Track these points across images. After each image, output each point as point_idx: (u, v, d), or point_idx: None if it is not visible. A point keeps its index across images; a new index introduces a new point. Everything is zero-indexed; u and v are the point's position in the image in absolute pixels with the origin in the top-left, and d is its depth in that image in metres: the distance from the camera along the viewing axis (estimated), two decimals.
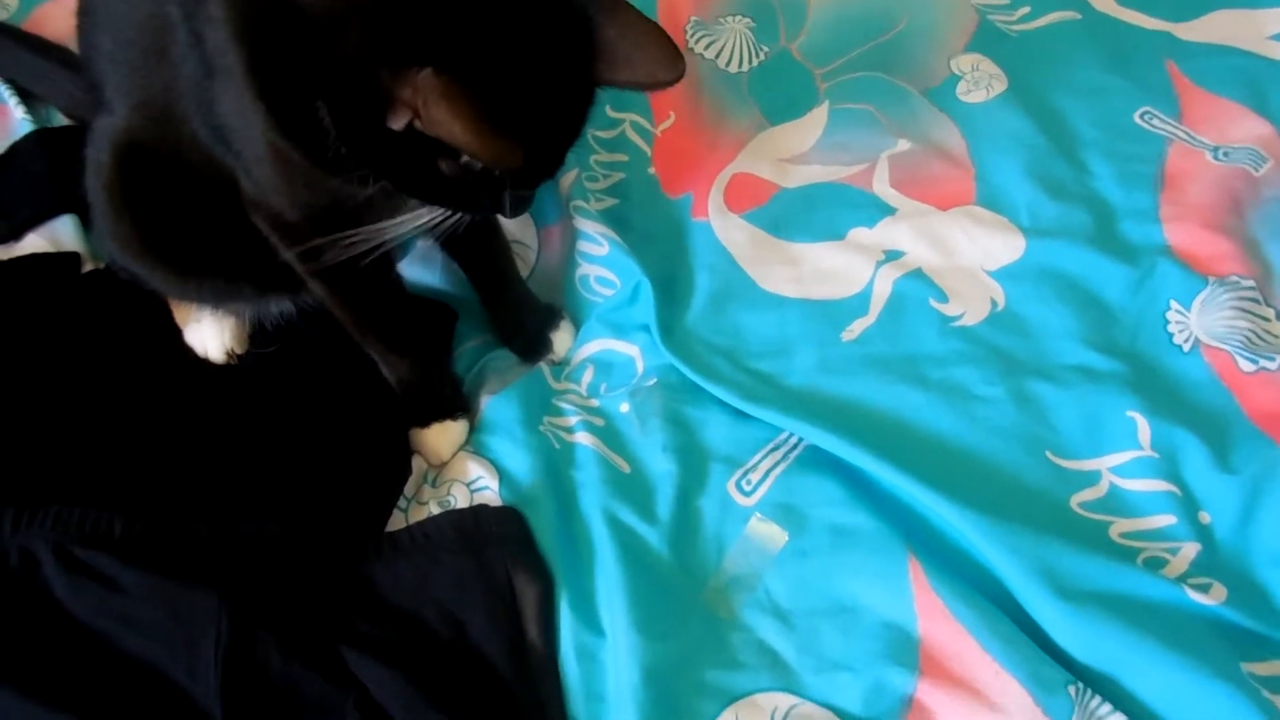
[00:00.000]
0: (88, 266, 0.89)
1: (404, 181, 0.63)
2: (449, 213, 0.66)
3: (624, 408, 0.83)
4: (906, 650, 0.71)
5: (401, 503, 0.79)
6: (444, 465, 0.81)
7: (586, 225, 0.90)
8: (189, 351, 0.85)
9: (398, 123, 0.57)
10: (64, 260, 0.89)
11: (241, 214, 0.73)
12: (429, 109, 0.56)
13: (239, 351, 0.85)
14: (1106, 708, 0.67)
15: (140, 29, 0.69)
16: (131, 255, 0.79)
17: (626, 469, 0.80)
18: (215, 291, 0.81)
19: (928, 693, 0.69)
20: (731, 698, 0.70)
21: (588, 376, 0.86)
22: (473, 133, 0.56)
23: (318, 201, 0.69)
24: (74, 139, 0.81)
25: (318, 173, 0.63)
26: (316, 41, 0.56)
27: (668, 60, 0.60)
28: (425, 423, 0.81)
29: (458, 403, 0.83)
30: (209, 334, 0.84)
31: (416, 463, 0.81)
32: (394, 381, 0.83)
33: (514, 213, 0.67)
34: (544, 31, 0.59)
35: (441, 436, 0.81)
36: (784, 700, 0.70)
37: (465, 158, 0.60)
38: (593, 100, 0.64)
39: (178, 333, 0.86)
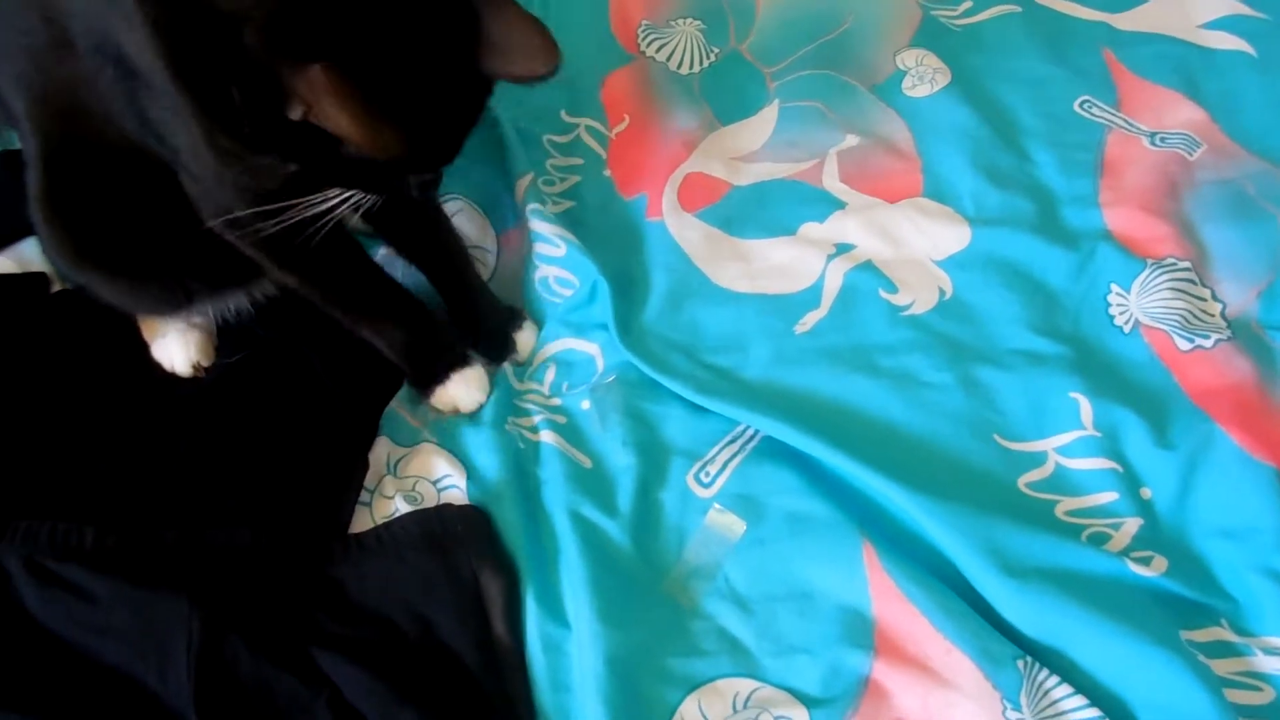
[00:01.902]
0: (56, 287, 0.90)
1: (311, 165, 0.66)
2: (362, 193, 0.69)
3: (585, 405, 0.85)
4: (862, 632, 0.73)
5: (364, 497, 0.80)
6: (408, 459, 0.82)
7: (543, 227, 0.91)
8: (156, 366, 0.86)
9: (295, 114, 0.61)
10: (32, 280, 0.91)
11: (181, 209, 0.74)
12: (319, 102, 0.60)
13: (205, 364, 0.87)
14: (1054, 680, 0.69)
15: (36, 26, 0.70)
16: (71, 264, 0.81)
17: (588, 465, 0.82)
18: (164, 295, 0.82)
19: (883, 672, 0.72)
20: (693, 684, 0.72)
21: (550, 376, 0.88)
22: (356, 125, 0.61)
23: (254, 185, 0.70)
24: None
25: (245, 151, 0.66)
26: (225, 36, 0.60)
27: (543, 55, 0.65)
28: (443, 378, 0.83)
29: (463, 353, 0.86)
30: (175, 348, 0.86)
31: (375, 455, 0.82)
32: (394, 353, 0.84)
33: (420, 193, 0.72)
34: (432, 28, 0.63)
35: (465, 385, 0.84)
36: (745, 685, 0.72)
37: None
38: (486, 91, 0.68)
39: (145, 348, 0.87)
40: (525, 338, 0.89)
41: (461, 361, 0.84)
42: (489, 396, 0.85)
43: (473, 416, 0.84)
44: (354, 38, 0.60)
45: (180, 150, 0.70)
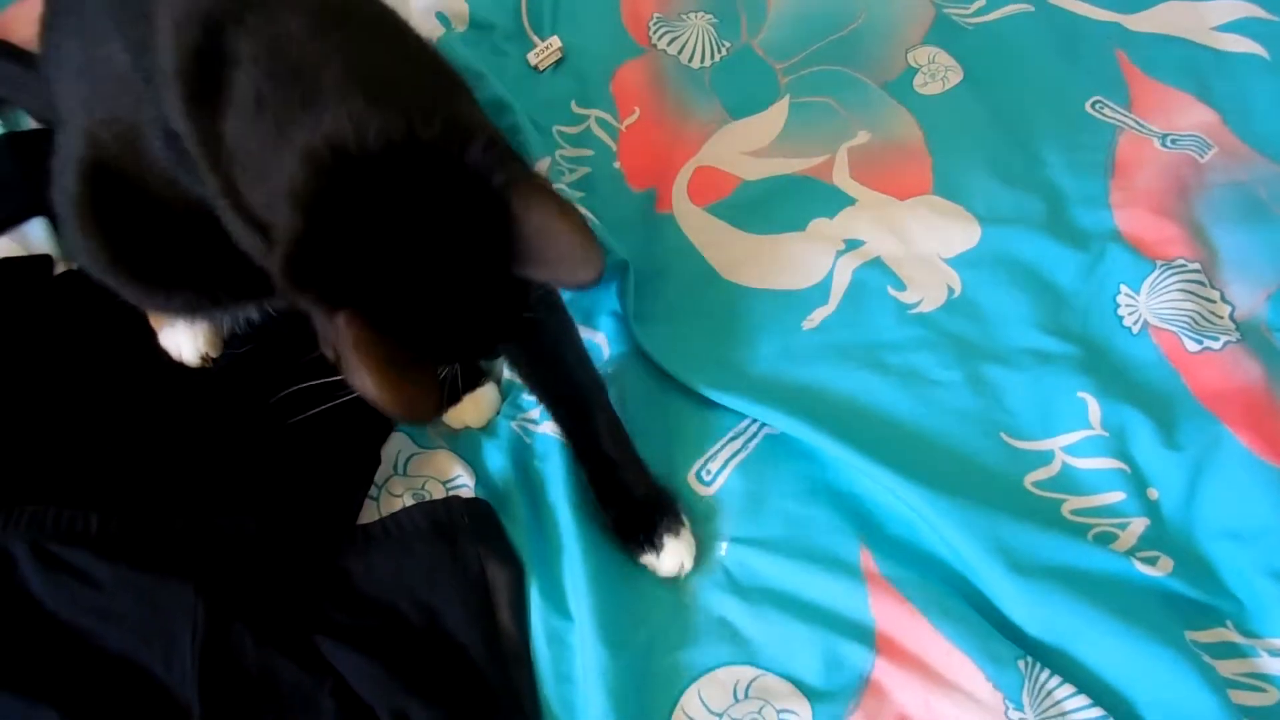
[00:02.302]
0: (60, 269, 0.90)
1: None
2: None
3: None
4: (862, 632, 0.73)
5: (373, 492, 0.80)
6: (420, 459, 0.82)
7: None
8: (164, 354, 0.86)
9: (327, 350, 0.58)
10: (36, 263, 0.90)
11: (209, 229, 0.72)
12: (343, 352, 0.55)
13: (213, 355, 0.86)
14: (1056, 680, 0.69)
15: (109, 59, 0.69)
16: (102, 270, 0.79)
17: None
18: (188, 303, 0.81)
19: (884, 670, 0.72)
20: (694, 675, 0.72)
21: None
22: (380, 387, 0.55)
23: None
24: (44, 142, 0.81)
25: None
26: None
27: (583, 262, 0.57)
28: (455, 400, 0.82)
29: (478, 371, 0.84)
30: (183, 338, 0.85)
31: (386, 451, 0.82)
32: None
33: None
34: (463, 249, 0.57)
35: (476, 406, 0.83)
36: (746, 673, 0.72)
37: None
38: (523, 292, 0.61)
39: (152, 334, 0.87)
40: (679, 543, 0.75)
41: (474, 381, 0.84)
42: (499, 411, 0.84)
43: (484, 428, 0.84)
44: (381, 279, 0.55)
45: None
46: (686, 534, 0.76)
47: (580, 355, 0.81)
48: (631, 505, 0.76)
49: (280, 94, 0.57)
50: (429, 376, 0.59)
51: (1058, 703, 0.69)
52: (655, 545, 0.75)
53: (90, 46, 0.71)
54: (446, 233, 0.57)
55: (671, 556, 0.75)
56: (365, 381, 0.55)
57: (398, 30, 0.66)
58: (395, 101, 0.57)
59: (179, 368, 0.85)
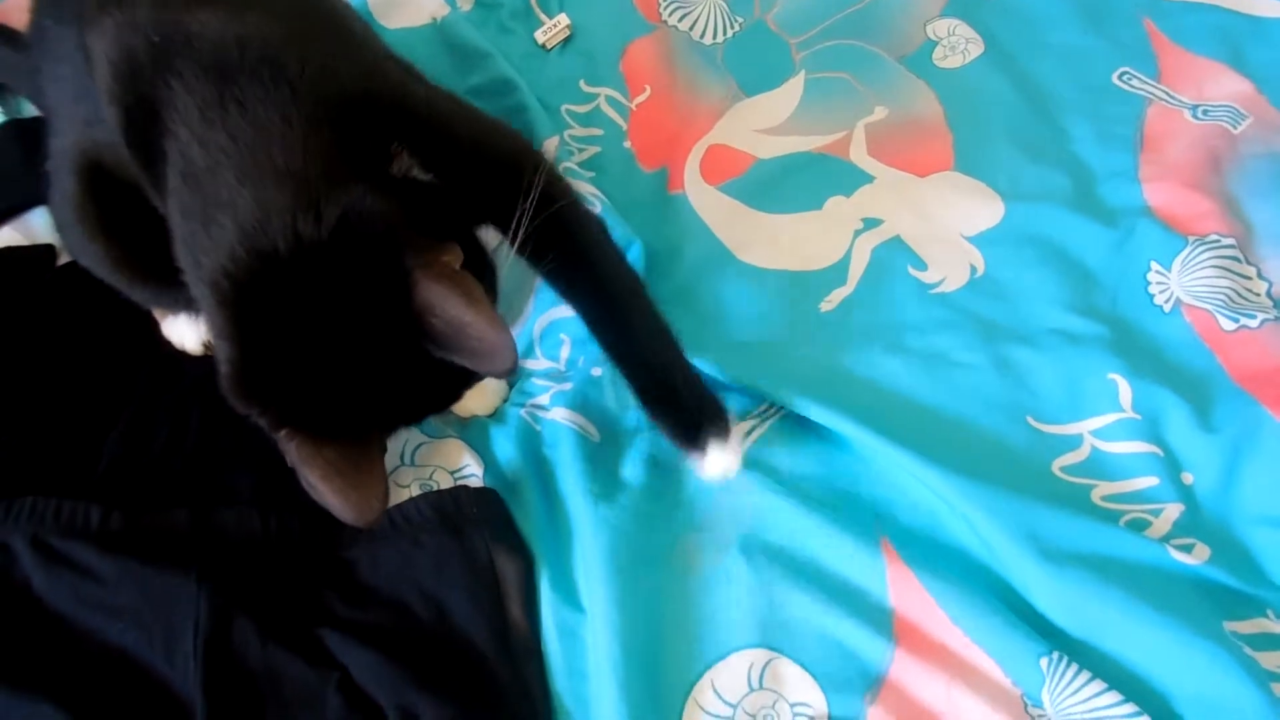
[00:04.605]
0: (62, 259, 0.89)
1: None
2: None
3: (596, 371, 0.82)
4: (881, 619, 0.71)
5: None
6: (428, 449, 0.80)
7: (579, 185, 0.88)
8: (166, 343, 0.85)
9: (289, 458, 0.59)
10: (38, 253, 0.89)
11: None
12: (298, 467, 0.58)
13: None
14: (1084, 676, 0.66)
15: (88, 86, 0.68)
16: (107, 271, 0.78)
17: (597, 437, 0.79)
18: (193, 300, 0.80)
19: (903, 661, 0.69)
20: (708, 663, 0.70)
21: (565, 351, 0.85)
22: (337, 498, 0.58)
23: None
24: (47, 131, 0.80)
25: None
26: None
27: (492, 355, 0.56)
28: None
29: None
30: (186, 327, 0.84)
31: (393, 441, 0.80)
32: None
33: None
34: (385, 341, 0.58)
35: (480, 394, 0.81)
36: (760, 656, 0.70)
37: None
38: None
39: (154, 325, 0.85)
40: (718, 452, 0.72)
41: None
42: (506, 399, 0.83)
43: (492, 416, 0.82)
44: (313, 388, 0.57)
45: None
46: (734, 440, 0.73)
47: (614, 251, 0.75)
48: (676, 407, 0.72)
49: (188, 204, 0.59)
50: (377, 470, 0.60)
51: (1087, 700, 0.66)
52: (700, 447, 0.71)
53: (75, 72, 0.70)
54: (367, 328, 0.57)
55: (715, 460, 0.72)
56: (316, 493, 0.58)
57: (301, 75, 0.61)
58: (289, 198, 0.56)
59: (182, 357, 0.84)
